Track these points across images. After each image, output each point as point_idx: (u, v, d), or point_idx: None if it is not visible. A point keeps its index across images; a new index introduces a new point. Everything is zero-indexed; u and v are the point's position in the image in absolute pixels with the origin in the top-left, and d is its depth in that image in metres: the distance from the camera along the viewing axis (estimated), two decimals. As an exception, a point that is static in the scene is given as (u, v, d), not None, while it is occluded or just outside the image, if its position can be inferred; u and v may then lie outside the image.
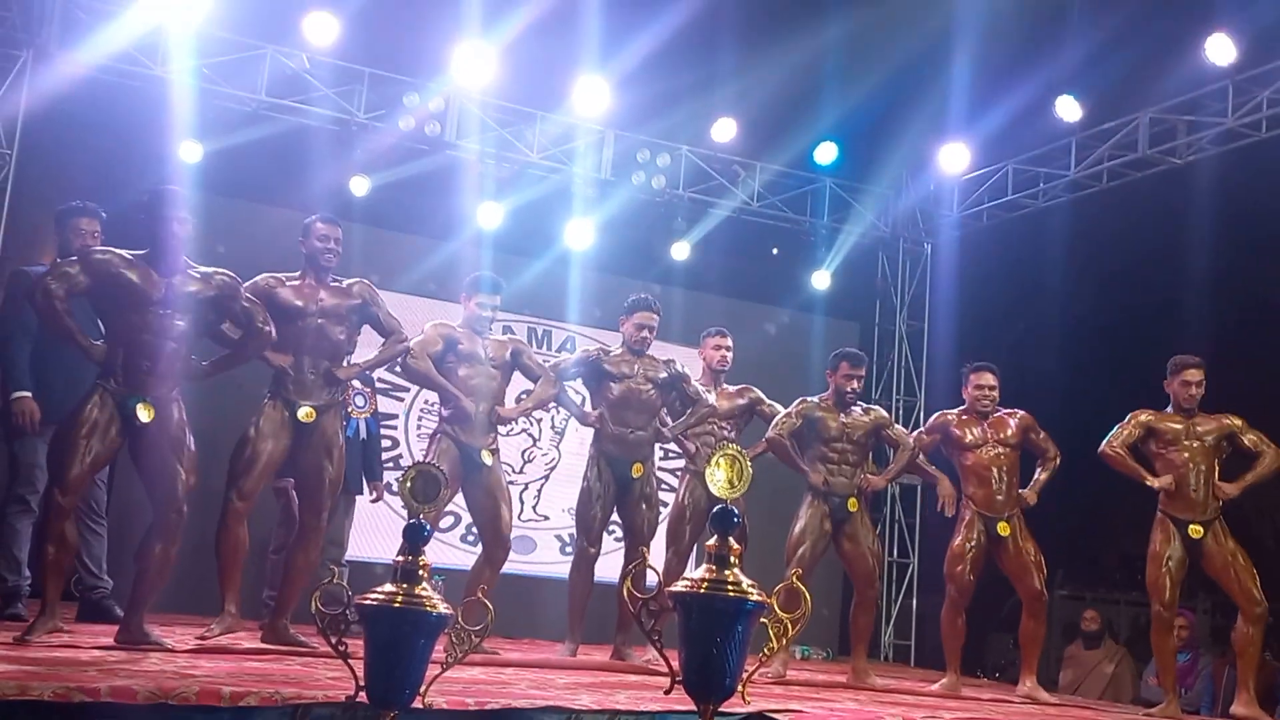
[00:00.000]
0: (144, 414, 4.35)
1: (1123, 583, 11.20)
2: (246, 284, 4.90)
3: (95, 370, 4.42)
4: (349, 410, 6.10)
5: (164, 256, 4.45)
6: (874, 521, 6.21)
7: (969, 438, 6.00)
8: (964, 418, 6.06)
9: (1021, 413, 6.08)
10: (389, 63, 8.30)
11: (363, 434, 6.73)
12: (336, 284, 5.10)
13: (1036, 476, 6.04)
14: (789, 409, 6.05)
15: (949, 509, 6.00)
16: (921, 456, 6.10)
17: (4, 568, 5.36)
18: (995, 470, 5.94)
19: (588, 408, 5.99)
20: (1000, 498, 5.92)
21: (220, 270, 4.63)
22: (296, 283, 5.03)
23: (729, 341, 6.41)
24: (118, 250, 4.44)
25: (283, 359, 4.90)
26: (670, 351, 6.36)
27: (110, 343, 4.39)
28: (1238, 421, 5.79)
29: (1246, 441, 5.74)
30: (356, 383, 6.17)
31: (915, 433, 6.27)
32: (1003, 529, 5.87)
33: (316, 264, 5.06)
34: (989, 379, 6.06)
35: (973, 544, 5.89)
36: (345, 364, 5.09)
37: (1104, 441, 5.86)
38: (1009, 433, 6.00)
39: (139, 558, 4.49)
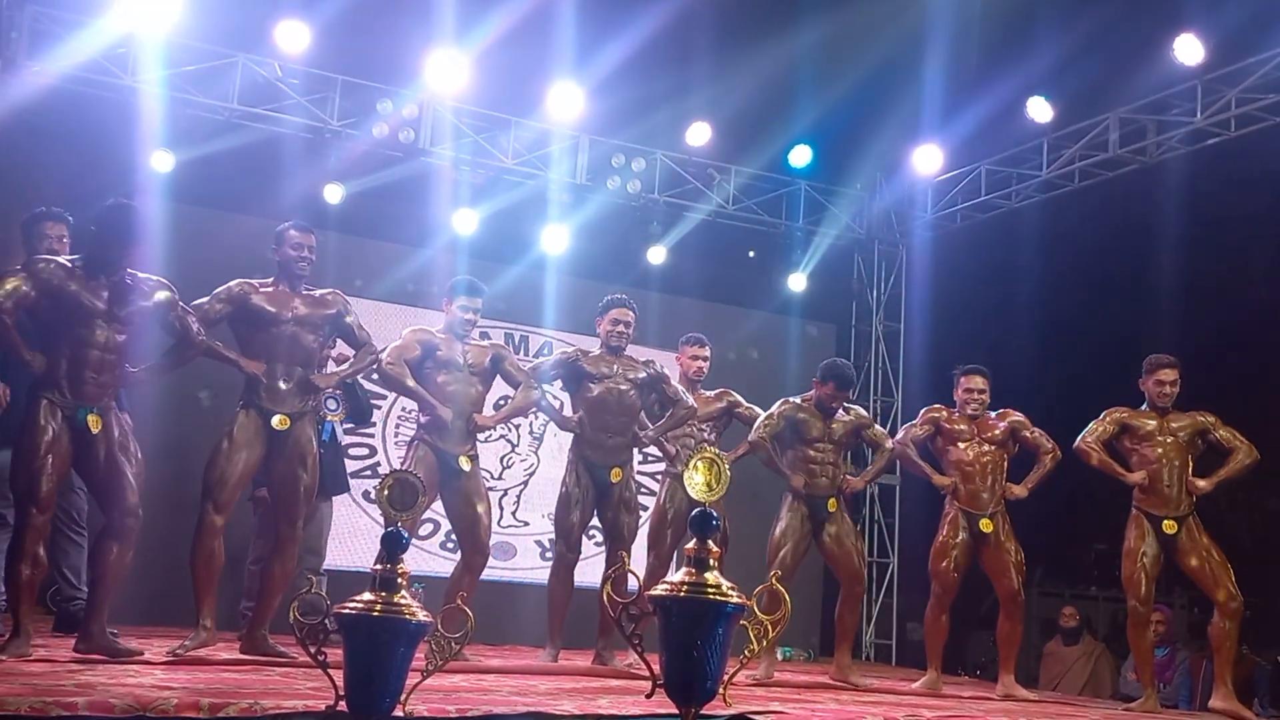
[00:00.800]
0: (93, 425, 4.35)
1: (1100, 579, 11.28)
2: (220, 288, 4.89)
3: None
4: (322, 414, 6.08)
5: (109, 268, 4.44)
6: (854, 521, 6.23)
7: (957, 434, 6.04)
8: (954, 415, 6.11)
9: (1014, 413, 6.11)
10: (362, 70, 8.27)
11: (340, 438, 6.71)
12: (310, 292, 5.08)
13: (1031, 474, 6.03)
14: (770, 410, 6.06)
15: (951, 493, 6.03)
16: (913, 451, 6.12)
17: None
18: (981, 467, 5.98)
19: (567, 413, 5.98)
20: (985, 495, 5.95)
21: (158, 279, 4.62)
22: (270, 290, 5.00)
23: (706, 352, 6.40)
24: (59, 259, 4.42)
25: (256, 366, 4.88)
26: (646, 354, 6.36)
27: (52, 353, 4.36)
28: (1211, 418, 5.86)
29: (1220, 438, 5.81)
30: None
31: (905, 426, 6.27)
32: (985, 525, 5.90)
33: (290, 272, 5.03)
34: (978, 382, 6.08)
35: (956, 540, 5.93)
36: (319, 372, 5.08)
37: (1079, 438, 5.91)
38: (996, 432, 6.04)
39: (94, 565, 4.47)
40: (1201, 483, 5.74)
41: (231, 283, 4.96)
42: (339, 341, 5.30)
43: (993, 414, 6.11)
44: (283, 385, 4.91)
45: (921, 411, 6.23)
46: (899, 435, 6.22)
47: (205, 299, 4.90)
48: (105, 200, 4.57)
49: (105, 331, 4.40)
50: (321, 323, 5.04)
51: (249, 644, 4.90)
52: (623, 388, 5.82)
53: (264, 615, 4.97)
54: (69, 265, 4.40)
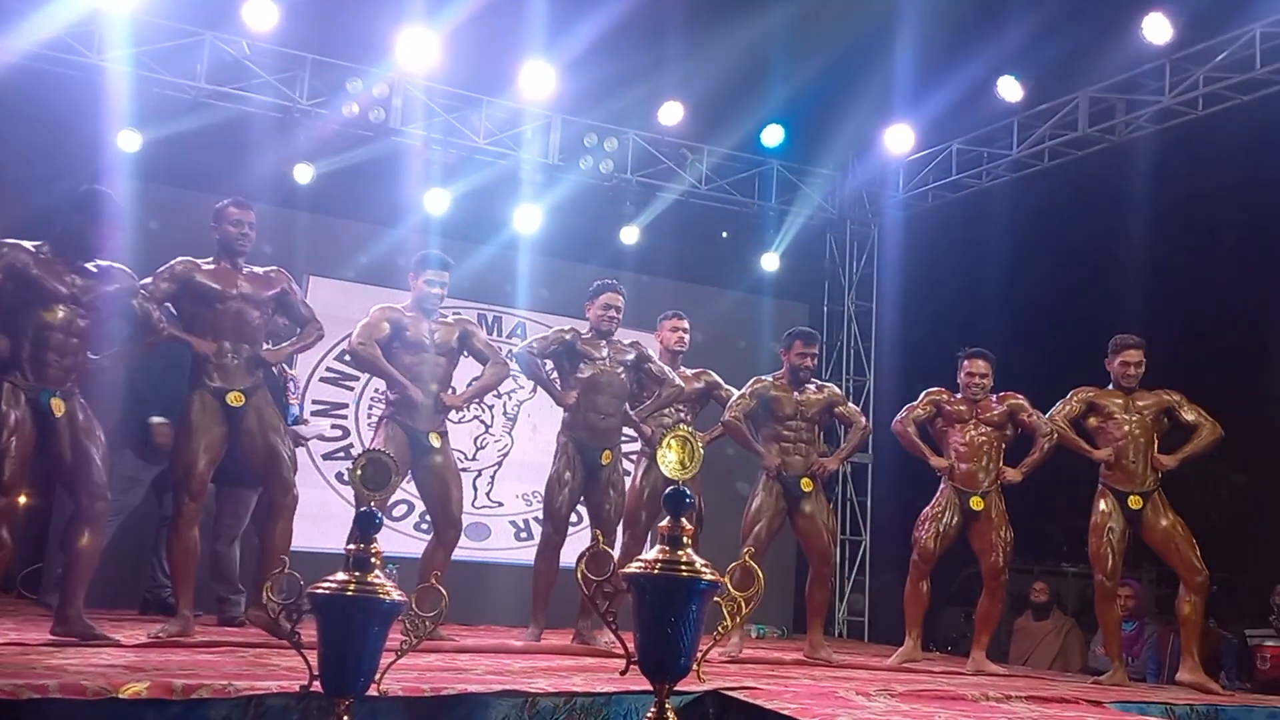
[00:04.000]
0: (57, 408, 4.35)
1: (1070, 554, 11.38)
2: (162, 267, 4.87)
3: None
4: (289, 401, 6.07)
5: (77, 255, 4.40)
6: (827, 499, 6.27)
7: (957, 416, 6.11)
8: (955, 397, 6.16)
9: (1014, 396, 6.16)
10: (331, 48, 8.19)
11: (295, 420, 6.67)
12: (253, 270, 5.06)
13: (1027, 456, 6.10)
14: (742, 390, 6.09)
15: (947, 474, 6.07)
16: (913, 431, 6.13)
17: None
18: (978, 449, 6.06)
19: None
20: (980, 475, 6.05)
21: (120, 267, 4.60)
22: (212, 267, 4.98)
23: (685, 324, 6.44)
24: (23, 244, 4.39)
25: (208, 345, 4.86)
26: (623, 335, 6.36)
27: (15, 337, 4.34)
28: (1176, 396, 5.93)
29: (1186, 416, 5.89)
30: (286, 369, 6.17)
31: (906, 406, 6.29)
32: (975, 503, 6.00)
33: (231, 249, 5.02)
34: (981, 366, 6.14)
35: (940, 511, 6.02)
36: (267, 348, 5.07)
37: (1047, 415, 5.97)
38: (995, 415, 6.11)
39: (66, 549, 4.46)
40: (1167, 459, 5.82)
41: (174, 261, 4.94)
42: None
43: (994, 397, 6.17)
44: (232, 362, 4.89)
45: (923, 393, 6.27)
46: (899, 415, 6.24)
47: (149, 279, 4.86)
48: (77, 185, 4.55)
49: (69, 315, 4.39)
50: (266, 300, 5.04)
51: (260, 616, 4.89)
52: (614, 370, 5.85)
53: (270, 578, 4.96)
54: (33, 249, 4.38)
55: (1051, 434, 5.99)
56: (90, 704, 2.90)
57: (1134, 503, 5.80)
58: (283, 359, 5.33)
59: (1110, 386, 5.99)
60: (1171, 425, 5.96)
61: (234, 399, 4.86)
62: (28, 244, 4.40)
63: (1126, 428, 5.86)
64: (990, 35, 8.10)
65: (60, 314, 4.37)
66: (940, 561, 6.20)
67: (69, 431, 4.40)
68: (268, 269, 5.14)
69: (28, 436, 4.31)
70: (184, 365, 5.03)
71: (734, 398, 6.10)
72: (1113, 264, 9.88)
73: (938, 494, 6.12)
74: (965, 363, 6.19)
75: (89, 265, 4.48)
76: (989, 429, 6.10)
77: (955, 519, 6.04)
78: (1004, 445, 6.13)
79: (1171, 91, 7.86)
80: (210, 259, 5.02)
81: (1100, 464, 5.89)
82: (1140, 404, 5.91)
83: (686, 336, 6.43)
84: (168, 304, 4.94)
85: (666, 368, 6.09)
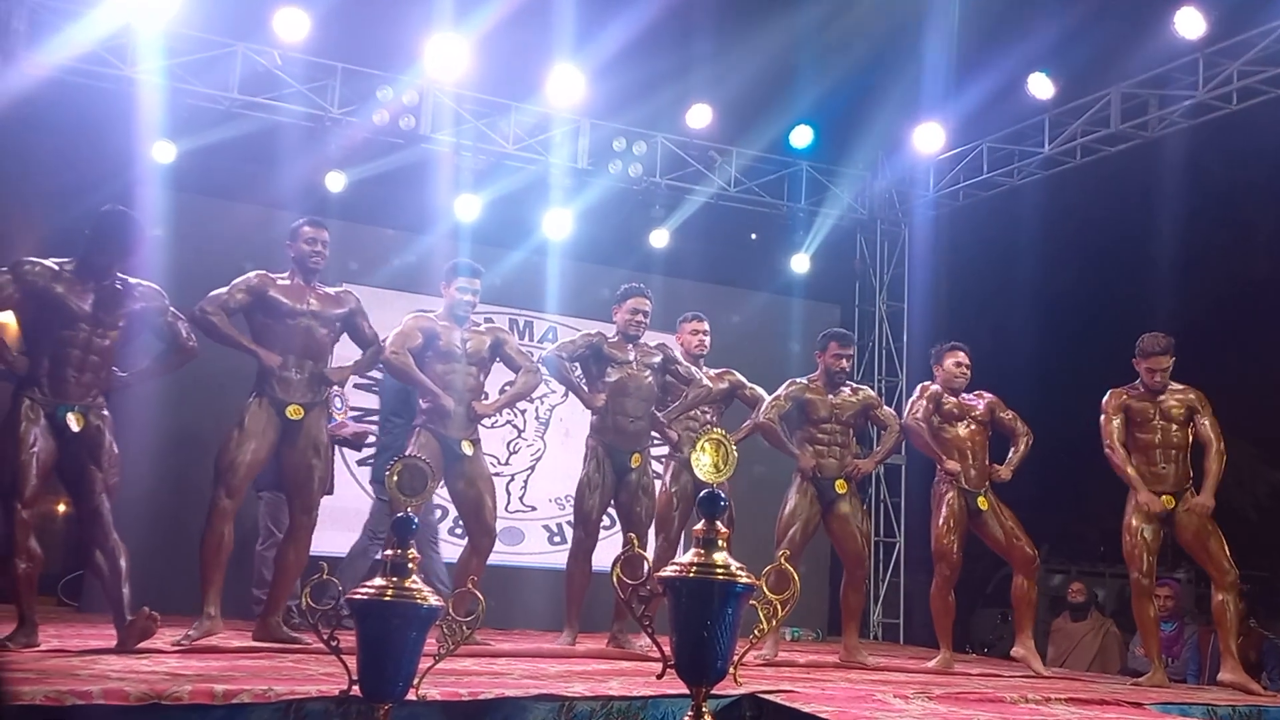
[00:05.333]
0: (74, 423, 4.40)
1: (1107, 555, 11.28)
2: (239, 278, 4.94)
3: None
4: (331, 412, 6.11)
5: (99, 273, 4.46)
6: (861, 501, 6.24)
7: (951, 412, 6.11)
8: (943, 393, 6.14)
9: (988, 394, 6.21)
10: (361, 57, 8.25)
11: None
12: (324, 289, 5.14)
13: (1010, 454, 6.15)
14: (777, 392, 6.07)
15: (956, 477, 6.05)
16: (927, 431, 6.10)
17: None
18: (973, 446, 6.09)
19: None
20: (974, 472, 6.08)
21: (148, 284, 4.66)
22: (286, 283, 5.06)
23: (705, 326, 6.43)
24: (46, 262, 4.45)
25: (274, 358, 4.93)
26: (650, 338, 6.37)
27: (34, 354, 4.41)
28: (1200, 399, 5.82)
29: (1202, 427, 5.78)
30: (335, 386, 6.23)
31: (910, 408, 6.25)
32: (981, 503, 6.01)
33: (304, 266, 5.10)
34: (964, 357, 6.17)
35: (956, 520, 5.99)
36: (330, 367, 5.14)
37: (1105, 445, 5.87)
38: (979, 411, 6.16)
39: (93, 571, 4.52)
40: (1204, 499, 5.68)
41: (250, 273, 5.02)
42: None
43: (969, 394, 6.18)
44: (295, 376, 4.96)
45: (918, 390, 6.24)
46: (914, 415, 6.20)
47: (224, 289, 4.95)
48: (112, 197, 4.61)
49: (88, 334, 4.45)
50: (334, 319, 5.12)
51: (263, 630, 4.93)
52: (641, 374, 5.86)
53: (278, 602, 5.01)
54: (55, 268, 4.44)
55: (1028, 433, 6.11)
56: (133, 709, 2.93)
57: (1168, 502, 5.74)
58: (346, 378, 5.38)
59: (1138, 383, 5.90)
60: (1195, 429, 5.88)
61: (293, 412, 4.92)
62: (51, 262, 4.46)
63: (1158, 436, 5.80)
64: (1021, 32, 8.06)
65: (80, 332, 4.43)
66: (968, 565, 6.19)
67: (82, 447, 4.45)
68: (339, 289, 5.24)
69: (49, 451, 4.38)
70: (247, 373, 5.07)
71: (768, 399, 6.08)
72: (1146, 261, 9.80)
73: (941, 501, 6.06)
74: (948, 354, 6.17)
75: (115, 284, 4.54)
76: (978, 425, 6.14)
77: (966, 521, 6.04)
78: (988, 441, 6.15)
79: (1205, 86, 7.78)
80: (285, 274, 5.09)
81: (1133, 465, 5.81)
82: (1169, 405, 5.83)
83: (707, 339, 6.42)
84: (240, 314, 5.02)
85: (694, 369, 6.09)
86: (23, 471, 4.28)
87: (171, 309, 4.75)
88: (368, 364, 5.41)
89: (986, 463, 6.11)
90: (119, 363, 4.65)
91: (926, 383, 6.26)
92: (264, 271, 5.06)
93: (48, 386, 4.39)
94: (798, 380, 6.10)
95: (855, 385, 6.26)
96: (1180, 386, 5.87)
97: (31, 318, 4.44)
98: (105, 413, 4.55)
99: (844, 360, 6.06)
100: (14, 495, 4.29)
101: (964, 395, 6.18)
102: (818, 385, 6.04)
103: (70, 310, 4.42)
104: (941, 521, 6.02)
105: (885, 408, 6.44)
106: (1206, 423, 5.79)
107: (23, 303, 4.39)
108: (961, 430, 6.10)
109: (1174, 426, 5.79)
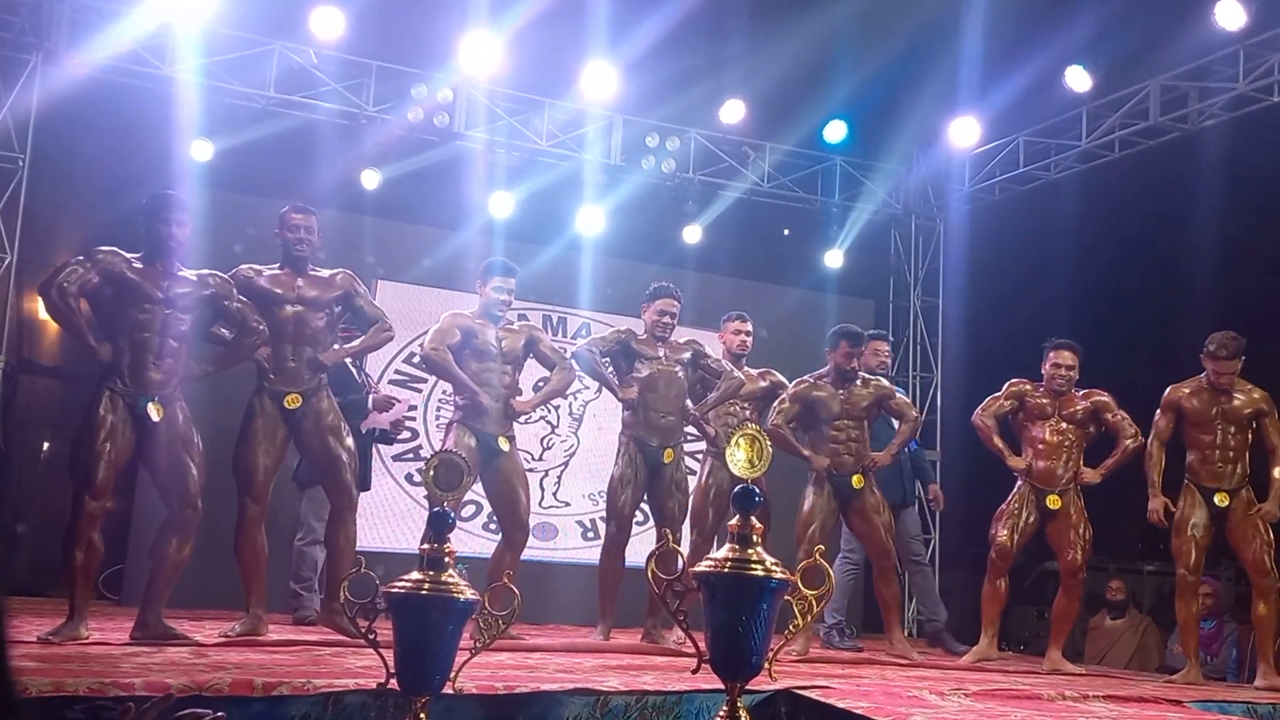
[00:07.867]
0: (155, 413, 4.43)
1: (1146, 552, 11.15)
2: (227, 274, 4.98)
3: None
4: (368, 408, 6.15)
5: (162, 258, 4.52)
6: (879, 494, 6.14)
7: (1039, 410, 5.98)
8: (1039, 390, 6.03)
9: (1099, 393, 6.02)
10: (396, 55, 8.30)
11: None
12: (316, 274, 5.13)
13: (1107, 459, 5.97)
14: (783, 395, 6.02)
15: (1023, 474, 5.97)
16: (994, 426, 6.01)
17: None
18: (1057, 446, 5.93)
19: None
20: (1059, 472, 5.92)
21: (213, 271, 4.72)
22: (275, 272, 5.08)
23: (749, 326, 6.41)
24: (120, 250, 4.50)
25: (262, 350, 4.94)
26: (683, 334, 6.37)
27: (114, 343, 4.44)
28: (1260, 396, 5.73)
29: (1269, 432, 5.70)
30: (371, 380, 6.27)
31: (988, 399, 6.13)
32: (1052, 502, 5.88)
33: (290, 253, 5.10)
34: (1067, 357, 5.97)
35: (1017, 510, 5.91)
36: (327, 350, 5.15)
37: (1147, 443, 5.81)
38: (1077, 411, 5.97)
39: (154, 554, 4.55)
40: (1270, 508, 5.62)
41: (238, 268, 5.04)
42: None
43: (1078, 392, 6.03)
44: (291, 364, 4.97)
45: (1006, 385, 6.13)
46: (981, 407, 6.11)
47: (231, 273, 4.97)
48: (142, 196, 4.69)
49: (164, 318, 4.49)
50: (329, 303, 5.10)
51: (328, 619, 4.98)
52: (672, 369, 5.87)
53: (336, 586, 5.05)
54: (128, 256, 4.50)
55: (1136, 436, 5.85)
56: (175, 701, 2.96)
57: (1221, 499, 5.67)
58: (339, 361, 5.34)
59: (1203, 377, 5.78)
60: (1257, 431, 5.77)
61: (290, 401, 4.94)
62: (124, 252, 4.53)
63: (1218, 434, 5.71)
64: (1058, 24, 7.97)
65: (156, 316, 4.48)
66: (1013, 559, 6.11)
67: (165, 437, 4.49)
68: (334, 272, 5.20)
69: (126, 442, 4.42)
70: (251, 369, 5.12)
71: (775, 403, 6.03)
72: (1186, 255, 9.65)
73: (1014, 491, 6.01)
74: (1051, 353, 5.99)
75: (182, 272, 4.60)
76: (1071, 425, 5.95)
77: (1032, 516, 5.92)
78: (1084, 443, 5.99)
79: (1246, 78, 7.67)
80: (276, 265, 5.11)
81: (1184, 461, 5.73)
82: (1233, 406, 5.73)
83: (749, 340, 6.39)
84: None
85: (725, 361, 6.08)
86: (96, 462, 4.33)
87: (238, 294, 4.79)
88: (371, 345, 5.36)
89: (1072, 463, 5.94)
90: (193, 352, 4.70)
91: (1020, 379, 6.15)
92: (249, 265, 5.07)
93: (129, 376, 4.43)
94: (805, 379, 6.03)
95: (867, 377, 6.14)
96: (1247, 386, 5.76)
97: (109, 305, 4.50)
98: (183, 404, 4.58)
99: (854, 359, 5.97)
100: (85, 486, 4.34)
101: (1074, 393, 6.00)
102: (826, 382, 5.97)
103: (145, 293, 4.47)
104: (1003, 507, 6.00)
105: (900, 397, 6.31)
106: (1273, 429, 5.69)
107: (100, 288, 4.44)
108: (1048, 429, 5.95)
109: (1234, 428, 5.70)
